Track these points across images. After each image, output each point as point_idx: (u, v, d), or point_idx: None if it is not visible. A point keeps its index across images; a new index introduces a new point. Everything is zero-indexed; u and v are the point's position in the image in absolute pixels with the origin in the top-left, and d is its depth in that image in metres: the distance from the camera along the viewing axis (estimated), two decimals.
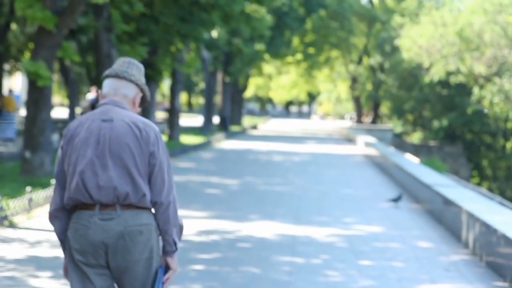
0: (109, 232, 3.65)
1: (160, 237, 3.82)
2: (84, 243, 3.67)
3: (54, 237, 9.21)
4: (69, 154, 3.74)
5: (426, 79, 47.14)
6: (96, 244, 3.65)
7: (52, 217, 3.84)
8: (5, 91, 30.86)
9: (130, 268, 3.68)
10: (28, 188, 10.95)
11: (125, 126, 3.71)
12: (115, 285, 3.78)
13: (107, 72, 3.88)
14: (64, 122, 38.28)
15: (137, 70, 3.88)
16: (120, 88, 3.84)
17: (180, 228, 3.82)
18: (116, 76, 3.84)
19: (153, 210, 3.78)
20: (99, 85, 19.91)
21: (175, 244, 3.78)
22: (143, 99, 3.93)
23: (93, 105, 21.40)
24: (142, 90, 3.90)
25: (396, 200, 13.68)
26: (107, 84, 3.86)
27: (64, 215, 3.80)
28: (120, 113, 3.76)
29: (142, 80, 3.89)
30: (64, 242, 3.83)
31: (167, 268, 3.80)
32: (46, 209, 11.39)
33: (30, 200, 10.82)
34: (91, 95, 22.51)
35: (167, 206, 3.73)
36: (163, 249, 3.80)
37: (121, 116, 3.74)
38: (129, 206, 3.68)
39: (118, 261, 3.67)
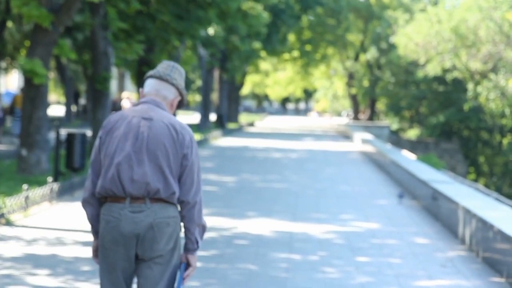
0: (140, 223, 3.86)
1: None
2: (116, 233, 3.87)
3: (50, 235, 9.21)
4: (107, 145, 3.93)
5: (420, 74, 47.15)
6: (127, 235, 3.86)
7: (86, 203, 4.02)
8: (1, 90, 30.85)
9: (155, 258, 3.89)
10: (25, 186, 10.95)
11: (163, 127, 3.92)
12: (136, 275, 3.97)
13: (151, 72, 4.07)
14: (60, 120, 38.24)
15: (179, 75, 4.09)
16: (162, 89, 4.04)
17: (203, 228, 4.01)
18: (160, 77, 4.04)
19: (179, 208, 3.98)
20: (95, 83, 19.88)
21: (197, 242, 3.98)
22: (180, 102, 4.13)
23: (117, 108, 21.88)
24: (181, 94, 4.10)
25: (401, 196, 13.99)
26: (149, 83, 4.06)
27: (96, 202, 4.00)
28: (159, 113, 3.96)
29: (182, 84, 4.10)
30: (94, 227, 4.04)
31: (187, 265, 3.98)
32: (42, 207, 11.39)
33: (27, 198, 10.81)
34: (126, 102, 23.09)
35: (193, 205, 3.94)
36: (185, 246, 3.99)
37: (161, 117, 3.94)
38: (158, 200, 3.89)
39: (146, 250, 3.87)
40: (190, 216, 3.95)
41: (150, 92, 4.05)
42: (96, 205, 4.00)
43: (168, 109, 4.06)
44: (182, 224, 4.01)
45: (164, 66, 4.08)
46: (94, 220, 4.02)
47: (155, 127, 3.91)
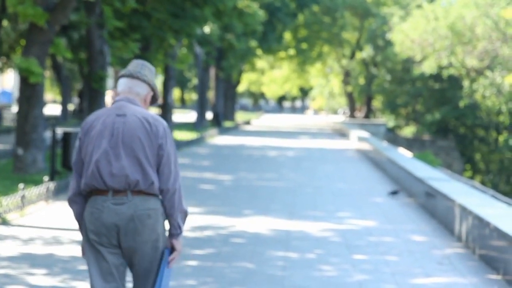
0: (121, 215, 4.06)
1: (166, 221, 4.21)
2: (98, 224, 4.07)
3: (47, 234, 9.20)
4: (86, 145, 4.15)
5: (417, 71, 47.13)
6: (109, 226, 4.06)
7: (71, 202, 4.23)
8: None
9: (139, 249, 4.09)
10: (21, 185, 10.93)
11: (137, 121, 4.12)
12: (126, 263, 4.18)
13: (122, 72, 4.30)
14: (56, 119, 38.20)
15: (149, 72, 4.31)
16: (134, 86, 4.26)
17: (185, 214, 4.23)
18: (130, 76, 4.27)
19: (160, 197, 4.18)
20: (91, 82, 19.87)
21: (180, 227, 4.21)
22: (153, 97, 4.35)
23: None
24: (153, 89, 4.31)
25: (394, 193, 14.05)
26: (122, 82, 4.29)
27: (81, 200, 4.21)
28: (132, 109, 4.17)
29: (153, 80, 4.31)
30: (81, 224, 4.22)
31: (172, 250, 4.22)
32: (38, 207, 11.37)
33: (23, 197, 10.79)
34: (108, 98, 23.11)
35: (173, 192, 4.15)
36: (169, 232, 4.21)
37: (134, 112, 4.16)
38: (139, 192, 4.09)
39: (129, 242, 4.08)
40: (171, 203, 4.14)
41: (123, 90, 4.26)
42: (82, 202, 4.20)
43: (142, 104, 4.26)
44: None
45: (134, 64, 4.30)
46: (80, 217, 4.21)
47: (129, 122, 4.11)
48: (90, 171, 4.09)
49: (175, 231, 4.20)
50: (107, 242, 4.08)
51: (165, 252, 4.18)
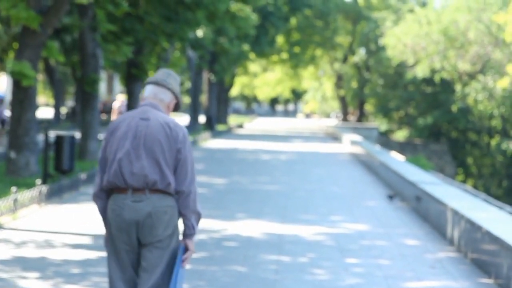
0: (140, 211, 4.38)
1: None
2: (119, 221, 4.41)
3: (39, 237, 9.18)
4: (111, 144, 4.49)
5: (409, 75, 47.21)
6: (129, 222, 4.39)
7: (96, 197, 4.56)
8: None
9: (153, 243, 4.39)
10: (13, 189, 10.91)
11: (158, 125, 4.45)
12: (141, 260, 4.46)
13: (150, 79, 4.64)
14: (49, 122, 38.11)
15: (174, 80, 4.66)
16: (158, 93, 4.60)
17: (198, 215, 4.52)
18: (156, 83, 4.61)
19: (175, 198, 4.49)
20: (84, 85, 19.85)
21: (194, 228, 4.51)
22: (176, 104, 4.68)
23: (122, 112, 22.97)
24: (176, 97, 4.66)
25: (391, 197, 14.15)
26: (148, 89, 4.62)
27: (104, 195, 4.55)
28: (156, 114, 4.50)
29: (177, 89, 4.66)
30: (104, 218, 4.57)
31: (185, 249, 4.50)
32: (31, 210, 11.35)
33: (16, 200, 10.77)
34: (117, 103, 24.14)
35: (188, 194, 4.46)
36: (183, 232, 4.51)
37: (156, 117, 4.49)
38: (156, 191, 4.41)
39: (146, 236, 4.39)
40: (186, 204, 4.46)
41: (149, 96, 4.60)
42: (105, 198, 4.53)
43: (165, 110, 4.59)
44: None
45: (161, 73, 4.65)
46: (104, 212, 4.56)
47: (152, 126, 4.44)
48: (113, 169, 4.42)
49: (189, 231, 4.49)
50: (126, 238, 4.39)
51: (180, 249, 4.44)
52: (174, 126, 4.47)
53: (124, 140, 4.44)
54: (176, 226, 4.48)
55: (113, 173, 4.42)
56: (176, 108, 4.67)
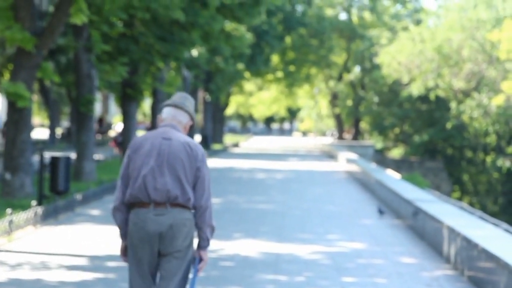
0: (162, 224, 4.74)
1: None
2: (142, 233, 4.75)
3: (35, 259, 9.14)
4: (134, 161, 4.85)
5: (404, 93, 47.32)
6: (152, 234, 4.74)
7: (116, 210, 4.87)
8: None
9: (173, 253, 4.75)
10: (9, 210, 10.87)
11: (180, 145, 4.85)
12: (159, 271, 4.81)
13: (168, 102, 5.02)
14: (44, 143, 38.04)
15: (190, 103, 5.04)
16: (177, 115, 4.99)
17: (212, 228, 4.89)
18: (175, 106, 5.00)
19: (193, 212, 4.85)
20: (79, 106, 19.85)
21: (208, 240, 4.87)
22: (191, 126, 5.06)
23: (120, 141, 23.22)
24: (192, 119, 5.04)
25: (382, 212, 14.26)
26: (167, 111, 5.01)
27: (125, 209, 4.86)
28: (176, 134, 4.91)
29: (193, 111, 5.04)
30: (123, 229, 4.88)
31: (200, 260, 4.86)
32: (26, 231, 11.30)
33: (11, 222, 10.73)
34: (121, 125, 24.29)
35: (205, 209, 4.84)
36: (198, 244, 4.87)
37: (178, 137, 4.89)
38: (177, 205, 4.78)
39: (167, 246, 4.74)
40: (203, 218, 4.83)
41: (167, 118, 4.98)
42: (125, 211, 4.85)
43: (182, 131, 4.98)
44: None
45: (178, 96, 5.04)
46: (124, 224, 4.87)
47: (174, 145, 4.84)
48: (137, 184, 4.78)
49: (204, 243, 4.86)
50: (149, 249, 4.74)
51: (196, 260, 4.83)
52: (194, 146, 4.87)
53: (148, 157, 4.80)
54: (192, 238, 4.81)
55: (138, 188, 4.76)
56: (191, 128, 5.05)
